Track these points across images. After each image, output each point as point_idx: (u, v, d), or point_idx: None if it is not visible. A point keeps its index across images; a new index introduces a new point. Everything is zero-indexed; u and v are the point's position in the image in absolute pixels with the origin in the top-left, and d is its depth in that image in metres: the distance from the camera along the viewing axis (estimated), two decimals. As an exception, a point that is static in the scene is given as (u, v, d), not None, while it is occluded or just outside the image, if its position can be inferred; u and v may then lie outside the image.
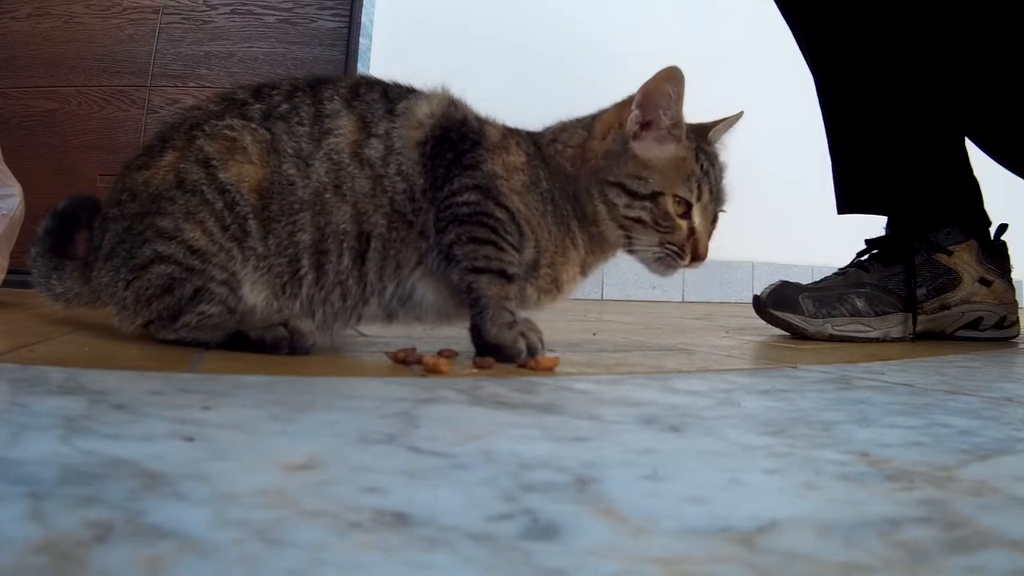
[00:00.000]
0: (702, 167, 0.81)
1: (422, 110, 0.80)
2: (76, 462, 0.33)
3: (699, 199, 0.80)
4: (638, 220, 0.79)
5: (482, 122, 0.84)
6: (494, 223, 0.77)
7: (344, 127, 0.78)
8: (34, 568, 0.22)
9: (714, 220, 0.84)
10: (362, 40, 2.26)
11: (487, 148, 0.80)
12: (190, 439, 0.38)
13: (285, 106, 0.78)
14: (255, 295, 0.77)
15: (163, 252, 0.74)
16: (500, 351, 0.74)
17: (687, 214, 0.80)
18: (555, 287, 0.83)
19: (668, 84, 0.80)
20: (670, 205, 0.79)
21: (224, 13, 2.25)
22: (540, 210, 0.80)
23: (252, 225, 0.75)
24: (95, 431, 0.39)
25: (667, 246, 0.80)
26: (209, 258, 0.74)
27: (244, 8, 2.26)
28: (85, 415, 0.42)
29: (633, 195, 0.79)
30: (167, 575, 0.22)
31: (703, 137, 0.85)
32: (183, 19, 2.22)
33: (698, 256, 0.81)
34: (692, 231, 0.80)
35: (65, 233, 0.90)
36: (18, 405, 0.45)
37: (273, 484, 0.32)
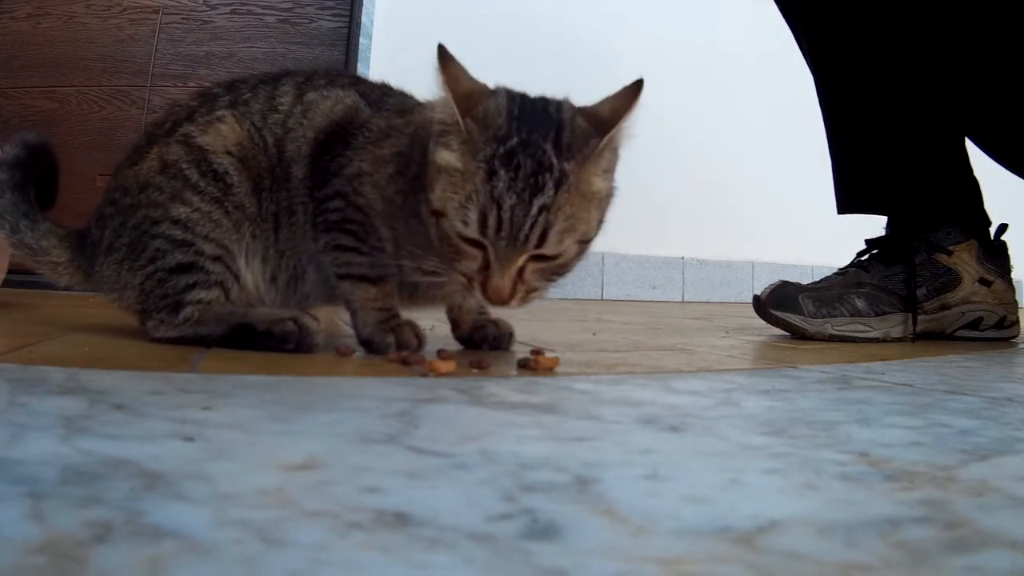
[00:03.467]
0: (493, 191, 0.62)
1: (325, 104, 0.81)
2: (76, 462, 0.33)
3: (482, 232, 0.63)
4: (432, 234, 0.69)
5: (374, 113, 0.81)
6: (355, 228, 0.77)
7: (285, 104, 0.82)
8: (34, 568, 0.22)
9: (541, 259, 0.65)
10: (362, 40, 2.26)
11: (359, 145, 0.78)
12: (190, 439, 0.38)
13: (248, 95, 0.83)
14: (251, 269, 0.80)
15: (155, 232, 0.77)
16: (371, 345, 0.78)
17: (480, 243, 0.65)
18: (424, 283, 0.78)
19: (440, 69, 0.66)
20: (450, 228, 0.65)
21: (224, 13, 2.24)
22: (399, 202, 0.75)
23: (234, 178, 0.78)
24: (95, 431, 0.39)
25: (459, 274, 0.68)
26: (192, 227, 0.77)
27: (244, 8, 2.25)
28: (85, 415, 0.42)
29: (428, 206, 0.68)
30: (167, 575, 0.22)
31: (576, 138, 0.65)
32: (183, 19, 2.22)
33: (488, 297, 0.66)
34: (487, 264, 0.65)
35: (31, 169, 0.89)
36: (18, 405, 0.45)
37: (273, 484, 0.31)
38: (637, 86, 0.67)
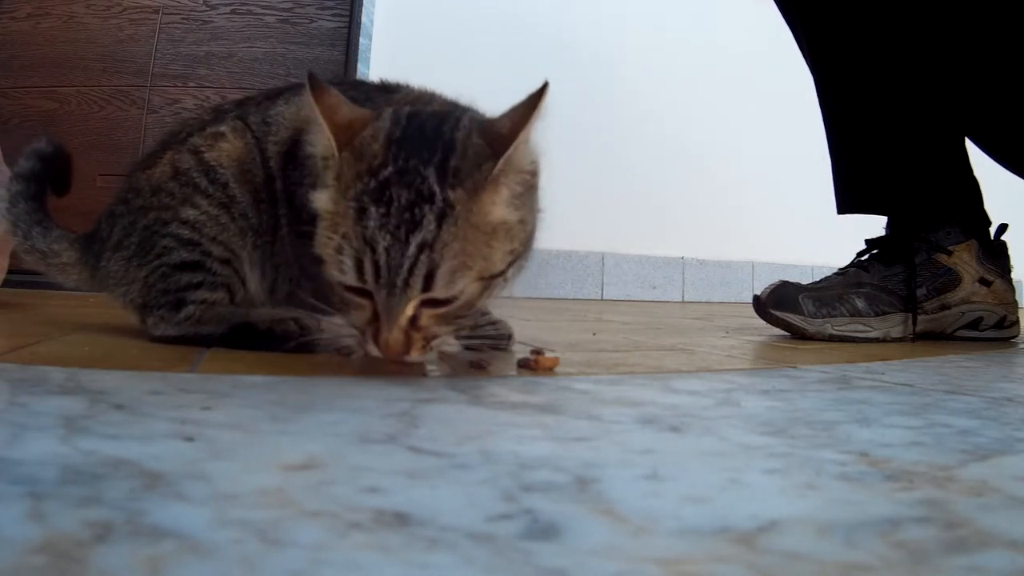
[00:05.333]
0: (365, 232, 0.55)
1: (290, 112, 0.81)
2: (76, 462, 0.33)
3: (361, 280, 0.56)
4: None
5: None
6: None
7: (277, 120, 0.82)
8: (34, 568, 0.22)
9: (435, 303, 0.58)
10: (362, 40, 2.26)
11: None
12: (190, 439, 0.38)
13: (251, 110, 0.84)
14: (253, 277, 0.81)
15: (163, 232, 0.78)
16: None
17: (366, 291, 0.58)
18: None
19: (308, 101, 0.60)
20: (328, 275, 0.59)
21: (224, 13, 2.24)
22: None
23: (235, 189, 0.79)
24: (95, 431, 0.39)
25: (351, 325, 0.61)
26: (200, 228, 0.77)
27: (244, 8, 2.25)
28: (85, 415, 0.42)
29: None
30: (167, 575, 0.22)
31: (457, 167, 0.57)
32: (183, 19, 2.22)
33: (382, 352, 0.58)
34: (376, 316, 0.58)
35: (45, 180, 0.92)
36: (18, 405, 0.45)
37: (273, 484, 0.31)
38: (540, 92, 0.59)
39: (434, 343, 0.60)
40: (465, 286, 0.58)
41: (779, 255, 2.95)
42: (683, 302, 2.80)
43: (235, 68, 2.24)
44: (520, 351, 0.83)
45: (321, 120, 0.59)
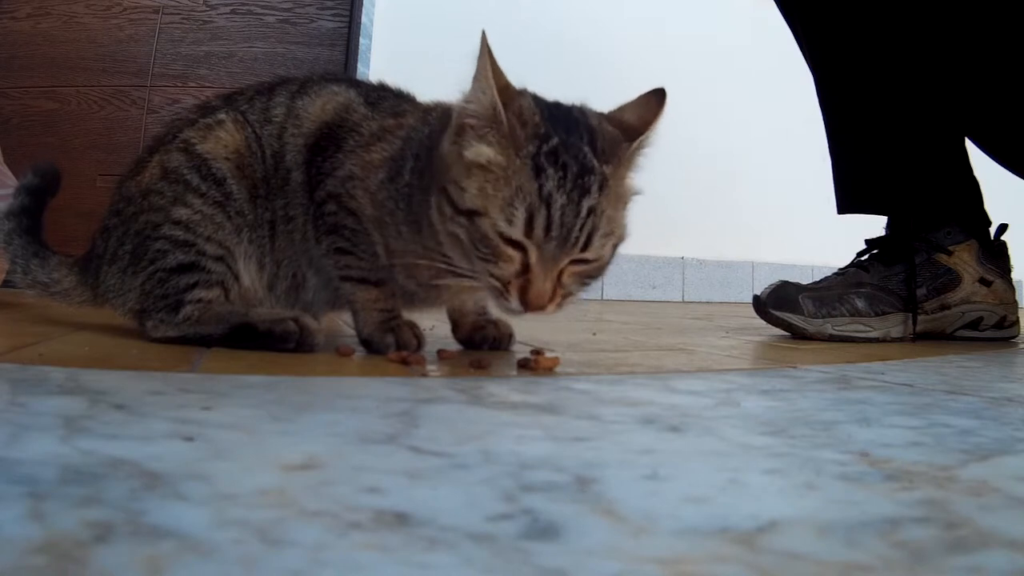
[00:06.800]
0: (541, 190, 0.60)
1: (315, 106, 0.81)
2: (76, 462, 0.33)
3: (527, 233, 0.61)
4: (455, 237, 0.65)
5: (367, 115, 0.80)
6: (349, 234, 0.77)
7: (279, 115, 0.82)
8: (34, 568, 0.22)
9: (580, 262, 0.64)
10: (362, 40, 2.26)
11: (350, 149, 0.77)
12: (190, 439, 0.38)
13: (244, 106, 0.83)
14: (248, 271, 0.81)
15: (156, 235, 0.78)
16: (371, 345, 0.78)
17: (522, 245, 0.62)
18: (422, 288, 0.77)
19: (480, 60, 0.63)
20: (488, 228, 0.62)
21: (224, 13, 2.25)
22: (391, 208, 0.73)
23: (232, 186, 0.79)
24: (95, 431, 0.39)
25: (491, 279, 0.64)
26: (194, 228, 0.77)
27: (244, 8, 2.25)
28: (85, 415, 0.42)
29: (453, 206, 0.64)
30: (167, 575, 0.22)
31: (613, 141, 0.65)
32: (183, 19, 2.22)
33: (526, 303, 0.63)
34: (526, 268, 0.63)
35: (39, 209, 0.93)
36: (18, 405, 0.45)
37: (273, 484, 0.31)
38: (661, 95, 0.68)
39: (567, 300, 0.66)
40: (607, 249, 0.66)
41: (779, 255, 2.95)
42: (683, 302, 2.79)
43: (235, 68, 2.24)
44: (520, 351, 0.83)
45: (491, 79, 0.63)
